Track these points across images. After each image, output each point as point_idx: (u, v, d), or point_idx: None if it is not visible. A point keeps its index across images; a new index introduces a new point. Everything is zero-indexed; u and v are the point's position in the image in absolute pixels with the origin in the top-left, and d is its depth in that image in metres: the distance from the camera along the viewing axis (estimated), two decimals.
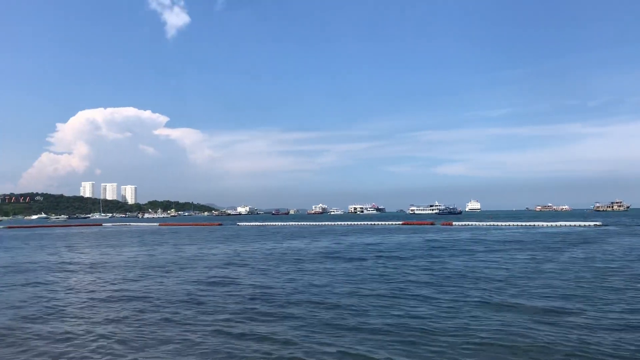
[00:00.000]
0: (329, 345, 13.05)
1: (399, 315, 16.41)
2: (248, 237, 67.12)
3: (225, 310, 17.72)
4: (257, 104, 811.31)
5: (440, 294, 20.26)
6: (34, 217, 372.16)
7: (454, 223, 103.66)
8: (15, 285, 24.84)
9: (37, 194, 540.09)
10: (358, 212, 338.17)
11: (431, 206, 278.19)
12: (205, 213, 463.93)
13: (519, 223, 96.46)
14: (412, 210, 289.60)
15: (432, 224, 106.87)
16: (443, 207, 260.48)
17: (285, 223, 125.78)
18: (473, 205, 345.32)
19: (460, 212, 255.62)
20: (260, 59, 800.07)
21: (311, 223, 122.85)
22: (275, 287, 22.84)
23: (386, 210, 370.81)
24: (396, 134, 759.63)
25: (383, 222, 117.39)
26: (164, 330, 15.02)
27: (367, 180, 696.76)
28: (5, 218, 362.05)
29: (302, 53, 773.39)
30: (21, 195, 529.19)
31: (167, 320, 16.35)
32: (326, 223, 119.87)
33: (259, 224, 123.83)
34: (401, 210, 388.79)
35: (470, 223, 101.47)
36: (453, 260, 32.94)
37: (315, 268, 29.91)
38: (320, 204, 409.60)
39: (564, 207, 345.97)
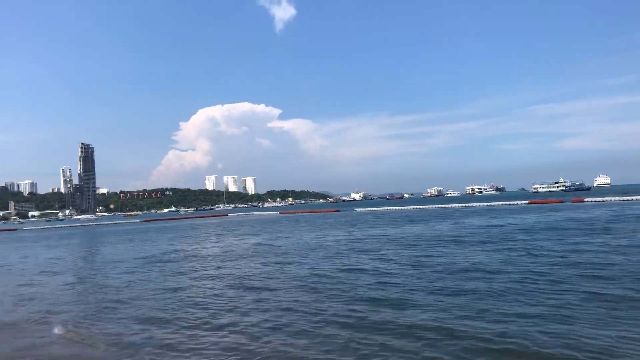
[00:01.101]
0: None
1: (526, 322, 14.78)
2: (366, 223, 66.75)
3: (344, 301, 17.18)
4: (364, 90, 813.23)
5: (611, 288, 18.25)
6: (165, 210, 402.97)
7: (585, 200, 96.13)
8: (164, 272, 26.39)
9: (166, 189, 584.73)
10: (476, 193, 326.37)
11: (556, 183, 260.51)
12: (321, 200, 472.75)
13: None
14: (535, 188, 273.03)
15: (560, 201, 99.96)
16: (569, 184, 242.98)
17: (400, 207, 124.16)
18: (602, 180, 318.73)
19: (589, 188, 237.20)
20: (366, 44, 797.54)
21: (428, 206, 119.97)
22: (399, 274, 21.89)
23: (506, 190, 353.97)
24: (510, 110, 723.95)
25: (506, 202, 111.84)
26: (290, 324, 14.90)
27: (483, 160, 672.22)
28: (140, 212, 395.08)
29: (408, 34, 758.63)
30: (152, 190, 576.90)
31: (290, 310, 16.22)
32: (443, 206, 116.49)
33: (375, 209, 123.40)
34: (522, 189, 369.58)
35: (605, 199, 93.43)
36: (604, 243, 29.93)
37: (439, 253, 28.58)
38: (435, 187, 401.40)
39: None
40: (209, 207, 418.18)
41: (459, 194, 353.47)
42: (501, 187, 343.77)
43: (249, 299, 18.51)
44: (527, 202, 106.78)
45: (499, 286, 17.99)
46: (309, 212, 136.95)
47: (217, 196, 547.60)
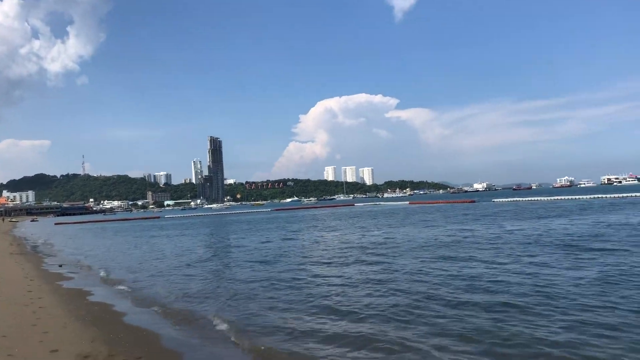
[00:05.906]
0: None
1: None
2: (505, 215, 62.82)
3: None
4: (486, 76, 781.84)
5: None
6: (288, 200, 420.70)
7: None
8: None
9: (288, 180, 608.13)
10: (614, 184, 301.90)
11: None
12: (440, 191, 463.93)
13: None
14: None
15: None
16: None
17: (532, 199, 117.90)
18: None
19: None
20: (488, 28, 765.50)
21: (559, 198, 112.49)
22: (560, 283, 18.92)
23: None
24: None
25: None
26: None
27: (621, 148, 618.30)
28: (264, 202, 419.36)
29: (533, 12, 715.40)
30: (275, 181, 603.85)
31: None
32: (578, 197, 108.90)
33: (517, 199, 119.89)
34: None
35: None
36: None
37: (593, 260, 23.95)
38: (566, 177, 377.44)
39: None
40: (329, 198, 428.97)
41: (594, 184, 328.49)
42: None
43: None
44: None
45: None
46: (442, 202, 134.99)
47: (336, 186, 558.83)
